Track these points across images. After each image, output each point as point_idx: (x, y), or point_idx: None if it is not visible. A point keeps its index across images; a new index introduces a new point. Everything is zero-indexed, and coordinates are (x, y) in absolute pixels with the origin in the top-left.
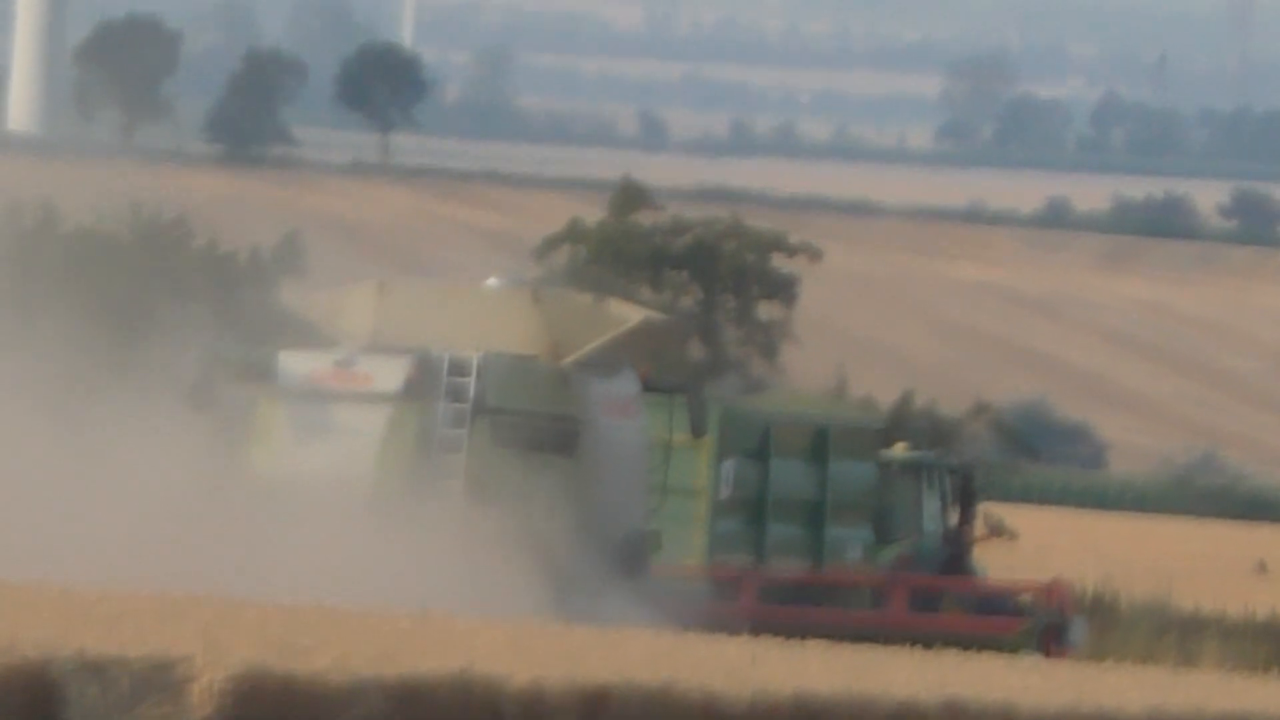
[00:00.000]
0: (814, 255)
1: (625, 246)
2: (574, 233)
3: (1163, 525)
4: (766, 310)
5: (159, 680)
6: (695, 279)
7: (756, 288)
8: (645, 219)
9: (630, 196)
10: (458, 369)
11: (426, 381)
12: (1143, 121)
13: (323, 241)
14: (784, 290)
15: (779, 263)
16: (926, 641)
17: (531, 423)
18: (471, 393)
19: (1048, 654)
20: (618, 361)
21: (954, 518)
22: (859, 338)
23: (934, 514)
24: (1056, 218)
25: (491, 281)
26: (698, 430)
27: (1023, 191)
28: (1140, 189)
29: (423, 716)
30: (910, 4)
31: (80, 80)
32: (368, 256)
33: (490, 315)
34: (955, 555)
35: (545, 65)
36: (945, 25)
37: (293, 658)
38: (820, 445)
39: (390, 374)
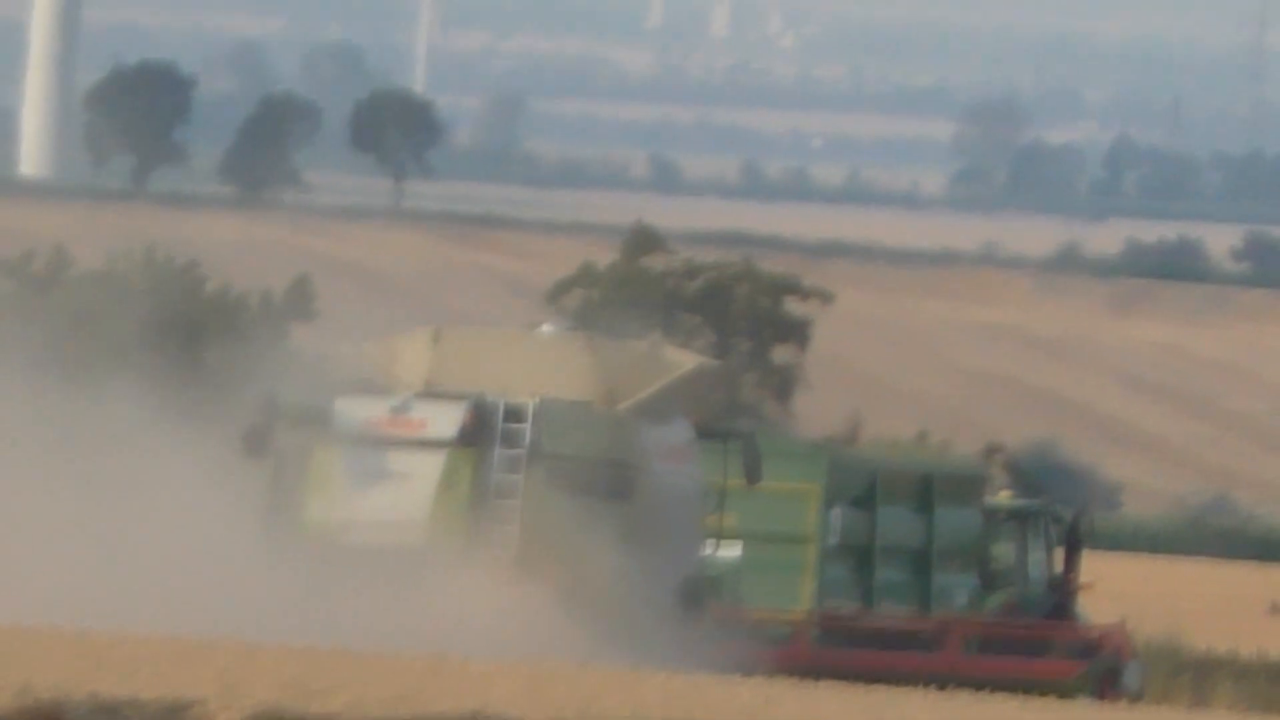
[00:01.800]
0: (827, 298)
1: (638, 290)
2: (586, 276)
3: (1175, 566)
4: (780, 353)
5: None
6: (708, 322)
7: (770, 331)
8: (658, 262)
9: (643, 240)
10: (513, 415)
11: (482, 427)
12: (1155, 165)
13: (334, 286)
14: (797, 333)
15: (792, 306)
16: (982, 685)
17: (586, 468)
18: (527, 438)
19: (1103, 698)
20: (672, 407)
21: (1059, 565)
22: (872, 380)
23: (1039, 561)
24: (1069, 261)
25: (546, 327)
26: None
27: (1035, 235)
28: (1153, 232)
29: None
30: (922, 48)
31: (92, 125)
32: (380, 301)
33: (545, 361)
34: (1060, 602)
35: (557, 110)
36: (957, 69)
37: (307, 699)
38: (926, 492)
39: (446, 420)
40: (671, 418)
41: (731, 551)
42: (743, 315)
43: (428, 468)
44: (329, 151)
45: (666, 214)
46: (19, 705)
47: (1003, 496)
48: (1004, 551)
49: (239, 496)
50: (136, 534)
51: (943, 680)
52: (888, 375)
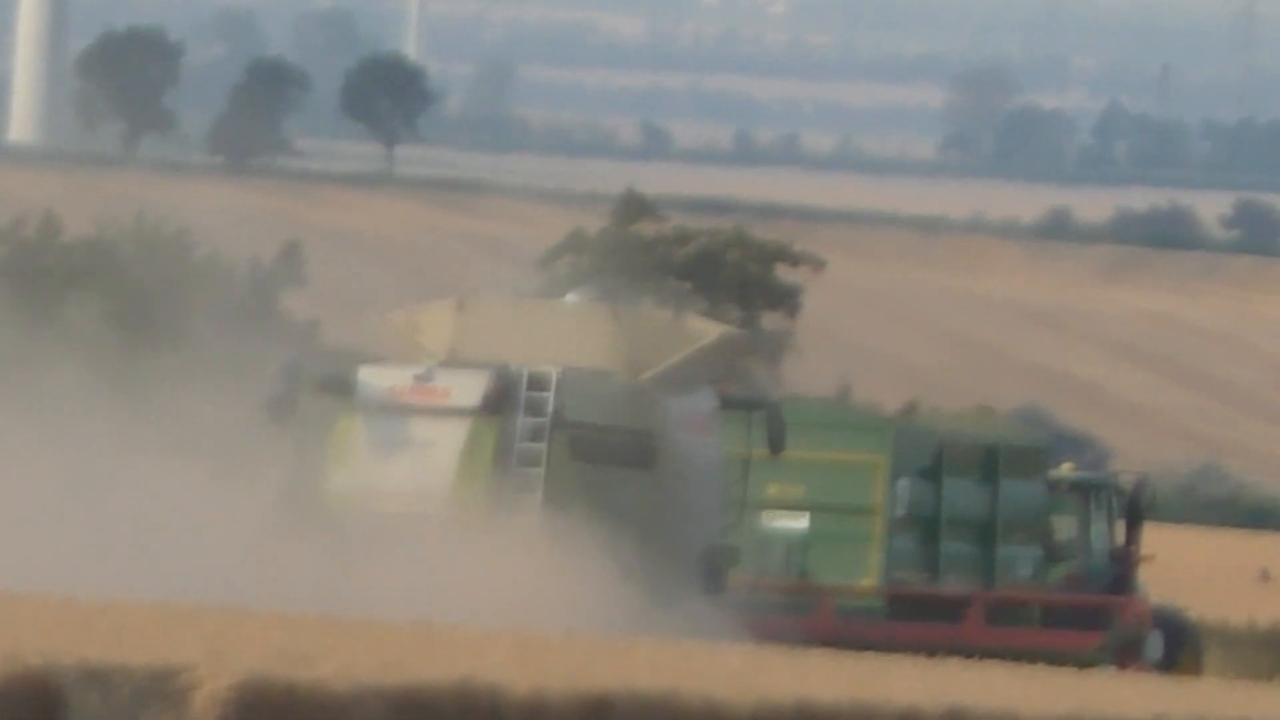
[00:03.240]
0: (817, 265)
1: (628, 257)
2: (576, 243)
3: (1166, 534)
4: (770, 320)
5: (161, 689)
6: (699, 289)
7: (760, 298)
8: (648, 229)
9: (633, 207)
10: (536, 384)
11: (505, 396)
12: (1145, 133)
13: (324, 253)
14: (788, 300)
15: (783, 273)
16: (1004, 656)
17: (609, 437)
18: (550, 407)
19: (1123, 668)
20: (695, 377)
21: (1120, 537)
22: (862, 347)
23: (1101, 533)
24: (1058, 229)
25: (570, 297)
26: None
27: (1025, 202)
28: (1143, 200)
29: None
30: (913, 16)
31: (82, 91)
32: (370, 268)
33: (569, 331)
34: (1122, 574)
35: (548, 77)
36: (948, 37)
37: (295, 666)
38: (991, 465)
39: (469, 389)
40: (695, 387)
41: (799, 523)
42: (733, 282)
43: (451, 436)
44: (319, 118)
45: (657, 181)
46: (7, 672)
47: (1065, 469)
48: (1066, 524)
49: (250, 463)
50: (140, 501)
51: (963, 651)
52: (877, 342)
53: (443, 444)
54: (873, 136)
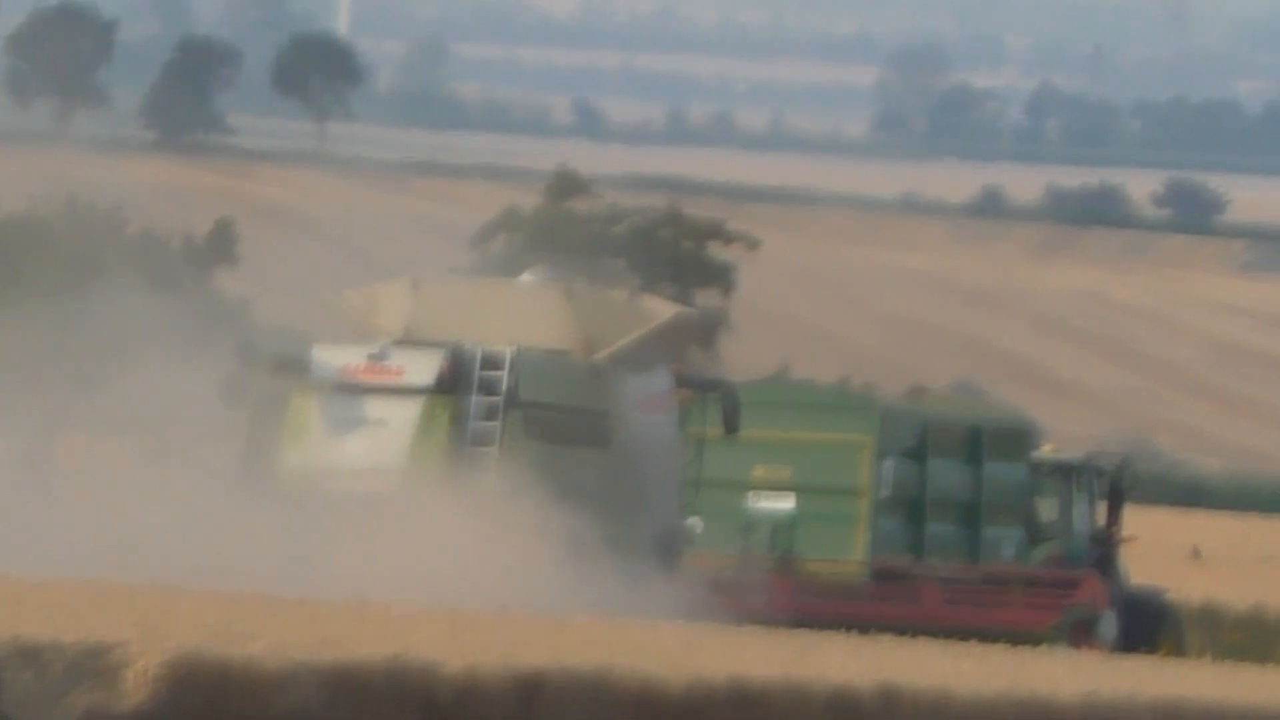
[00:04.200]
0: (751, 243)
1: (561, 234)
2: (510, 220)
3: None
4: (704, 298)
5: (93, 666)
6: (633, 267)
7: (694, 275)
8: (582, 207)
9: (567, 184)
10: (490, 363)
11: (459, 375)
12: (1078, 111)
13: (257, 230)
14: (722, 278)
15: (716, 251)
16: (961, 635)
17: (564, 417)
18: (504, 386)
19: (1078, 647)
20: (650, 357)
21: (1101, 518)
22: (796, 325)
23: (1083, 514)
24: (991, 207)
25: (525, 277)
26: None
27: (957, 181)
28: (1074, 178)
29: (357, 702)
30: None
31: (14, 68)
32: (303, 245)
33: (524, 310)
34: (1104, 555)
35: (481, 54)
36: (881, 16)
37: (228, 643)
38: (975, 445)
39: (423, 368)
40: (650, 367)
41: (785, 504)
42: (667, 260)
43: (405, 415)
44: (251, 95)
45: (591, 158)
46: None
47: (1047, 450)
48: (1048, 505)
49: (192, 441)
50: (79, 480)
51: (917, 630)
52: (811, 320)
53: (396, 423)
54: (805, 115)
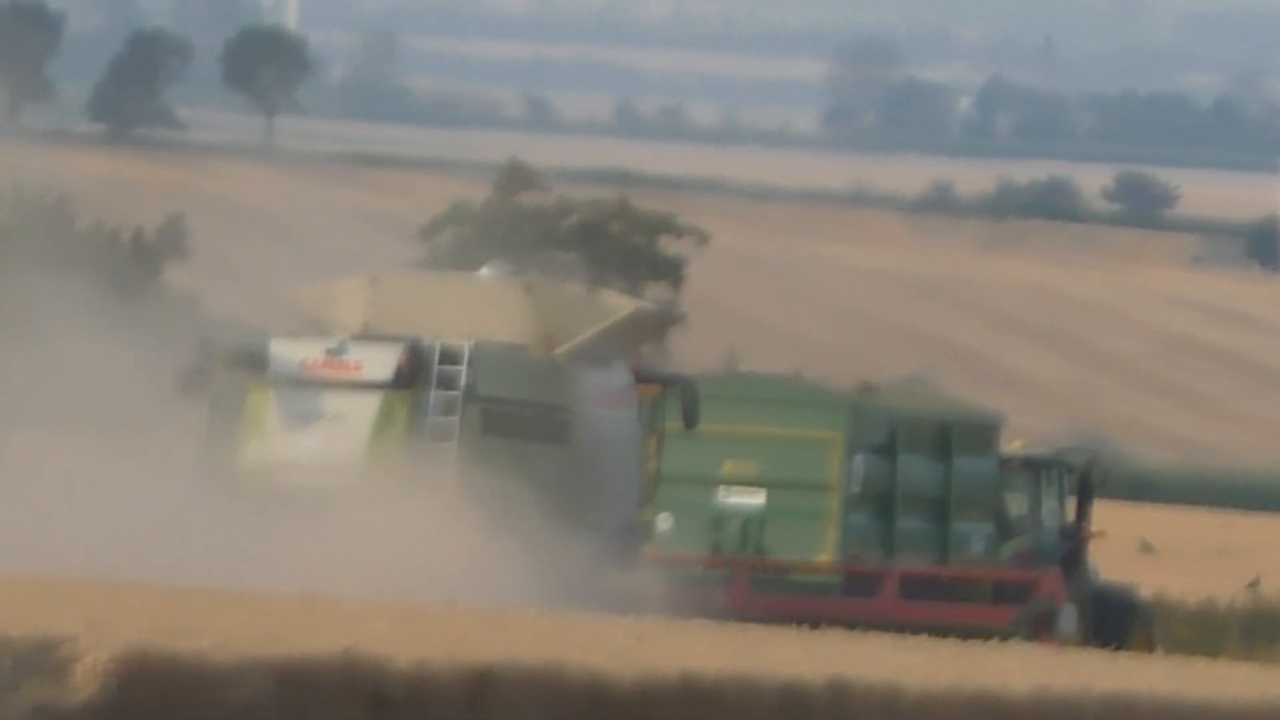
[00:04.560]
0: (701, 237)
1: (511, 227)
2: (458, 214)
3: None
4: (655, 292)
5: (41, 660)
6: (583, 260)
7: (644, 269)
8: (532, 200)
9: (516, 177)
10: (449, 357)
11: (417, 370)
12: (1028, 105)
13: (208, 224)
14: (672, 272)
15: (666, 244)
16: (915, 630)
17: (522, 412)
18: (463, 381)
19: (1037, 642)
20: (609, 352)
21: (1071, 514)
22: (747, 319)
23: (1052, 510)
24: (941, 201)
25: (484, 271)
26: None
27: (907, 175)
28: (1025, 172)
29: (307, 697)
30: None
31: None
32: (253, 239)
33: (482, 305)
34: (1072, 551)
35: (430, 47)
36: (830, 10)
37: (177, 638)
38: (944, 441)
39: (381, 362)
40: (609, 362)
41: (755, 499)
42: (617, 253)
43: (363, 410)
44: (200, 88)
45: (541, 152)
46: None
47: (1016, 445)
48: (1017, 500)
49: (142, 434)
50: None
51: (875, 625)
52: (761, 314)
53: (354, 417)
54: (755, 108)
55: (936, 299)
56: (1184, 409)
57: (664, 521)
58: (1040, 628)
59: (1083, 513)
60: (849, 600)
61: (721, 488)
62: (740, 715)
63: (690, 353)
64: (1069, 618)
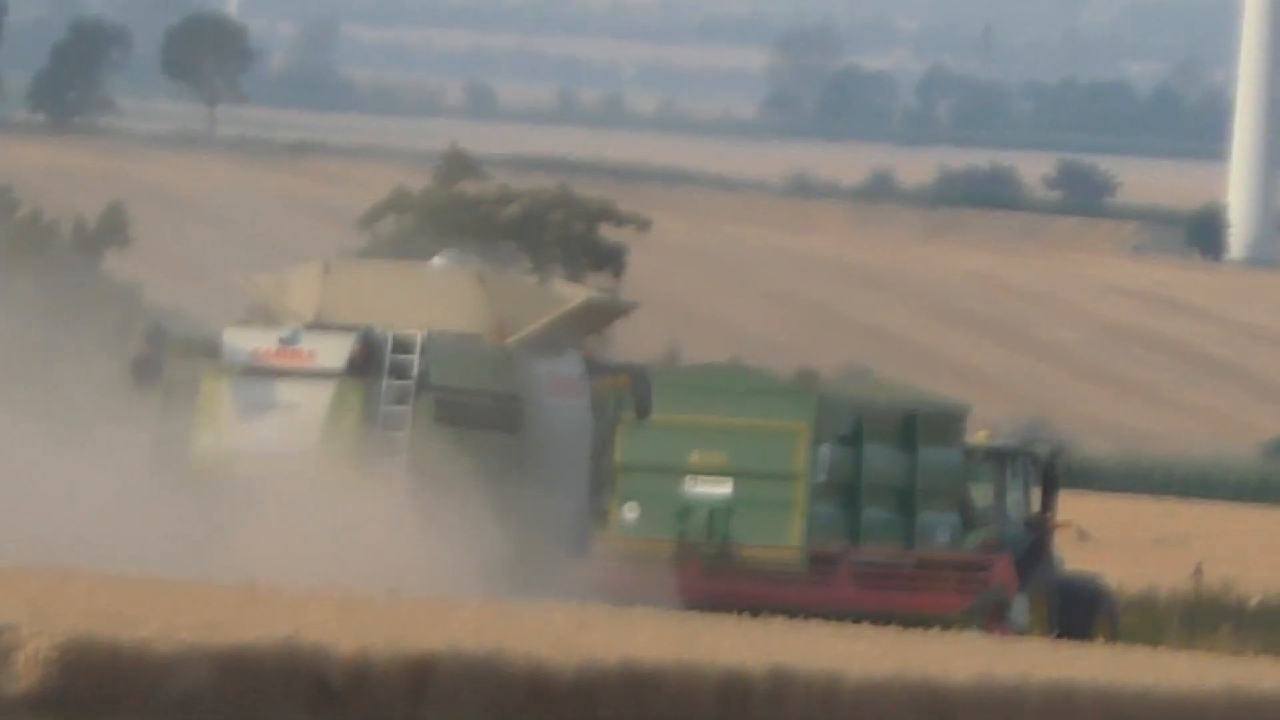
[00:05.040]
0: (642, 225)
1: (451, 215)
2: (399, 202)
3: None
4: (595, 280)
5: None
6: (524, 249)
7: (585, 257)
8: (472, 188)
9: (457, 166)
10: (402, 346)
11: (370, 359)
12: (968, 94)
13: (149, 213)
14: (613, 260)
15: (607, 232)
16: (871, 619)
17: (475, 401)
18: (415, 370)
19: (989, 632)
20: (561, 341)
21: (1036, 504)
22: (688, 307)
23: (1017, 500)
24: (882, 189)
25: (436, 261)
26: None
27: (848, 163)
28: (965, 161)
29: (249, 685)
30: None
31: None
32: (195, 228)
33: (435, 294)
34: (1038, 541)
35: (372, 36)
36: None
37: (119, 626)
38: (909, 431)
39: (334, 351)
40: (561, 351)
41: (721, 489)
42: (557, 241)
43: (316, 399)
44: (142, 78)
45: (482, 140)
46: None
47: (981, 436)
48: (982, 491)
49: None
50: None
51: (829, 613)
52: (703, 303)
53: (308, 406)
54: (696, 98)
55: (877, 287)
56: (1124, 397)
57: (631, 510)
58: (993, 617)
59: (1048, 503)
60: (802, 588)
61: (689, 477)
62: (680, 703)
63: (631, 341)
64: (1021, 608)
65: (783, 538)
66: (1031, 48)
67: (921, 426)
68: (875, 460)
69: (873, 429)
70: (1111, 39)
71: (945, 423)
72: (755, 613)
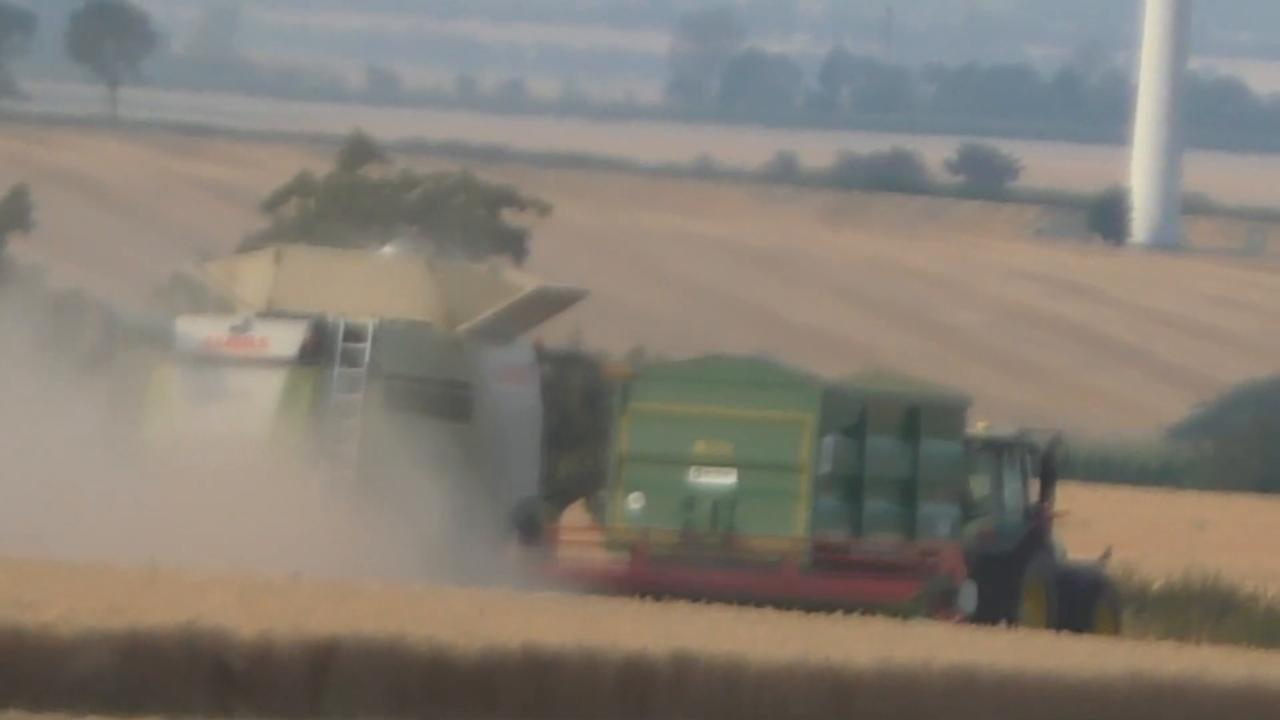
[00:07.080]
0: (543, 210)
1: (354, 200)
2: (302, 186)
3: None
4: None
5: None
6: (426, 233)
7: (486, 242)
8: (374, 173)
9: (359, 150)
10: (353, 335)
11: (322, 347)
12: (870, 77)
13: (51, 196)
14: (514, 244)
15: (509, 217)
16: (821, 607)
17: (426, 388)
18: (366, 358)
19: (938, 618)
20: (512, 329)
21: (1034, 495)
22: (591, 292)
23: (1015, 491)
24: (784, 173)
25: (387, 249)
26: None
27: (751, 147)
28: (868, 144)
29: (150, 669)
30: None
31: None
32: (97, 211)
33: (386, 283)
34: (1035, 531)
35: (274, 19)
36: None
37: (20, 610)
38: (912, 422)
39: (286, 339)
40: (511, 339)
41: (726, 480)
42: (459, 226)
43: (268, 386)
44: (44, 60)
45: (384, 124)
46: None
47: (980, 427)
48: (981, 481)
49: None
50: None
51: (779, 601)
52: (605, 287)
53: (259, 394)
54: (598, 81)
55: (781, 272)
56: (1025, 380)
57: (636, 501)
58: (941, 604)
59: (1046, 493)
60: (751, 576)
61: (694, 468)
62: (581, 687)
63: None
64: (969, 594)
65: (787, 529)
66: (933, 31)
67: (925, 418)
68: (879, 452)
69: (877, 420)
70: (1013, 22)
71: (947, 415)
72: (708, 601)
